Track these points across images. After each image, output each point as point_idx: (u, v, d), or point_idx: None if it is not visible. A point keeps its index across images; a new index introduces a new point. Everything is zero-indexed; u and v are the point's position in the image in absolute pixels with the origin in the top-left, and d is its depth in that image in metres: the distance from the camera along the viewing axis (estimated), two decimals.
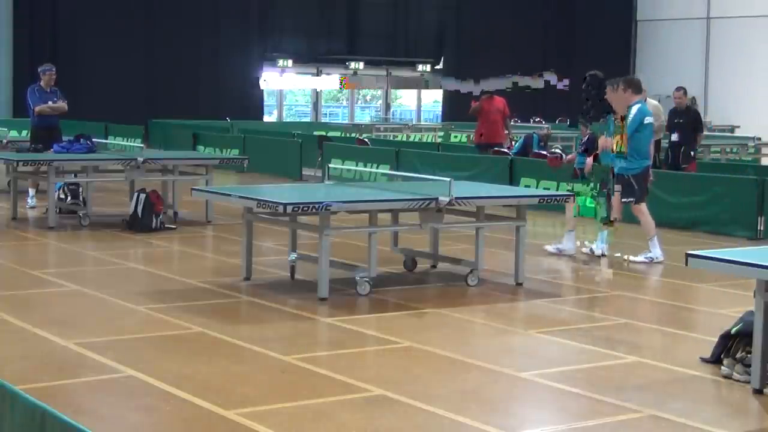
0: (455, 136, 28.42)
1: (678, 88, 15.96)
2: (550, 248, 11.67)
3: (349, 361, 6.99)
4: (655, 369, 6.94)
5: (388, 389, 6.20)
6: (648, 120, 11.10)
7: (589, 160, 11.81)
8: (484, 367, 6.85)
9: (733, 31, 34.15)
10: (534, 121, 26.50)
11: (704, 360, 7.00)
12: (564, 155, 12.94)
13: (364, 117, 37.41)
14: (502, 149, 18.27)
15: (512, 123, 20.51)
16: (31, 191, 14.63)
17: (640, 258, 11.11)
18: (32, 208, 14.40)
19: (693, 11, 35.36)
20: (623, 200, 11.18)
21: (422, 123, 35.56)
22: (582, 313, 8.68)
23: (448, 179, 9.48)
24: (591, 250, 11.54)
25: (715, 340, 7.01)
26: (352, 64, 35.23)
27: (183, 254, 11.54)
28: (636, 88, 11.16)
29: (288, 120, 35.44)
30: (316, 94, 35.88)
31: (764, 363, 6.27)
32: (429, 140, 27.21)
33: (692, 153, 15.55)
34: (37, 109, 14.40)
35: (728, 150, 22.22)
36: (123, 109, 27.79)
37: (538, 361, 7.14)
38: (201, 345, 7.31)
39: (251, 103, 32.69)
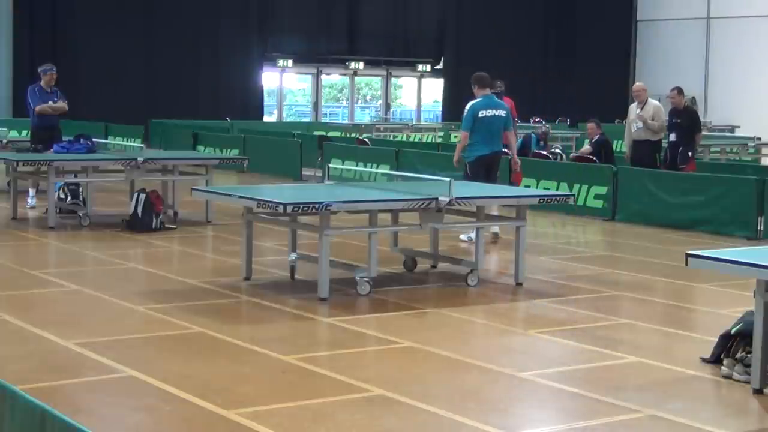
0: (455, 137, 28.39)
1: (673, 88, 15.91)
2: (463, 236, 12.18)
3: (349, 361, 6.99)
4: (655, 369, 6.94)
5: (388, 389, 6.21)
6: (483, 113, 11.89)
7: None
8: (483, 367, 6.85)
9: (733, 31, 34.13)
10: (534, 121, 26.47)
11: (704, 360, 7.00)
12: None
13: (364, 117, 37.33)
14: (503, 150, 18.22)
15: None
16: (31, 191, 14.63)
17: (464, 237, 12.06)
18: (32, 208, 14.40)
19: (693, 11, 35.34)
20: None
21: (422, 123, 35.52)
22: (582, 313, 8.67)
23: (448, 179, 9.48)
24: (470, 237, 11.94)
25: (715, 340, 7.01)
26: (352, 64, 35.22)
27: (183, 254, 11.53)
28: (479, 82, 12.02)
29: (288, 120, 35.39)
30: (317, 94, 35.89)
31: (764, 363, 6.27)
32: (429, 140, 27.18)
33: (690, 153, 15.51)
34: (37, 109, 14.39)
35: (728, 150, 22.19)
36: (123, 109, 27.80)
37: (538, 361, 7.14)
38: (201, 345, 7.31)
39: (251, 103, 32.68)
